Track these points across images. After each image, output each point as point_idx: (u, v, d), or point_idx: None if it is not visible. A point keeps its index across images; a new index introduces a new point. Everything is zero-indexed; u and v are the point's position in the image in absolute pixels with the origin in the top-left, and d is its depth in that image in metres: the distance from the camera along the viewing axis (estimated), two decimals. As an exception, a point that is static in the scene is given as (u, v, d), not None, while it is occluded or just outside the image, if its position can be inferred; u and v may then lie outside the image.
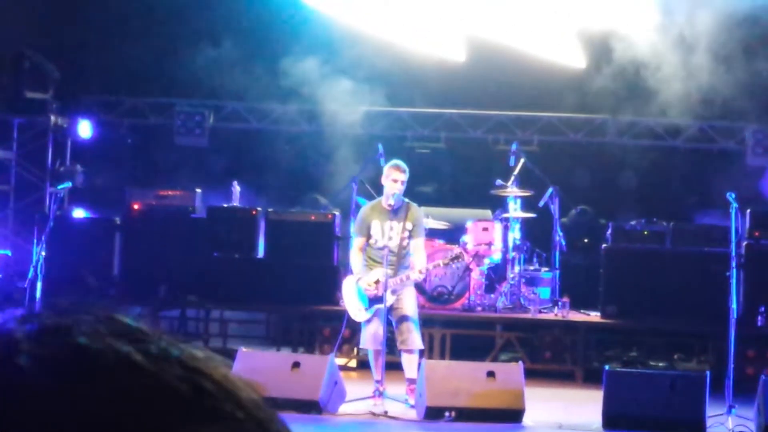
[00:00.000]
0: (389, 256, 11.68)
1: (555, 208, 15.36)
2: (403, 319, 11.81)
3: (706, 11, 16.24)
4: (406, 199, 12.13)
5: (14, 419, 0.84)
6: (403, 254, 11.93)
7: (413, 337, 11.83)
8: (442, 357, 14.37)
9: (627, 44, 16.68)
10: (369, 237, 11.99)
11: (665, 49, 16.58)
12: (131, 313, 0.94)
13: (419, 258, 11.96)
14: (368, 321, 11.90)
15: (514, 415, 11.19)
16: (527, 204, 15.45)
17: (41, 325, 0.90)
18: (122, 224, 15.89)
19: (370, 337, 11.86)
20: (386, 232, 11.89)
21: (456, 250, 12.87)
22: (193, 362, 0.92)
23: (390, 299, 11.63)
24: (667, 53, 16.58)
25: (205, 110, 17.97)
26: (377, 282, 11.74)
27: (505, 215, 15.26)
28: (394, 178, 11.88)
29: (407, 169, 11.98)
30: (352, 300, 12.05)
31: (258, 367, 11.26)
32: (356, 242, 12.18)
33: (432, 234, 14.65)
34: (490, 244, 14.89)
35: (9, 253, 16.05)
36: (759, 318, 14.21)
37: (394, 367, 12.14)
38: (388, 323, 11.87)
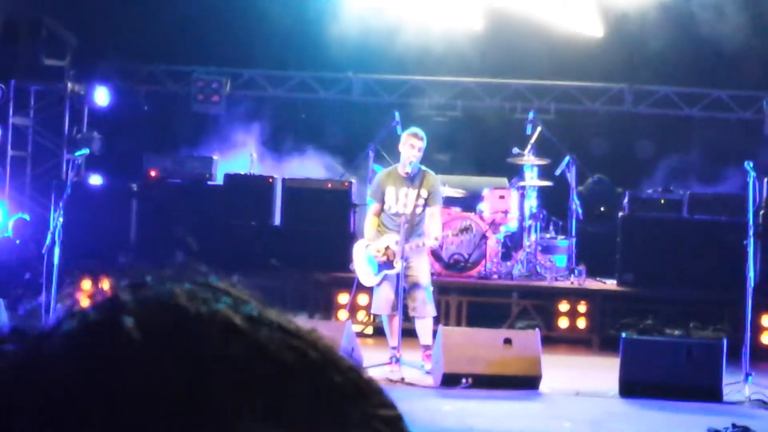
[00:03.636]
0: (402, 223, 11.67)
1: (572, 176, 15.34)
2: (416, 286, 11.79)
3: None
4: (423, 167, 12.10)
5: (115, 381, 0.85)
6: (416, 221, 11.89)
7: (425, 305, 11.83)
8: (459, 324, 14.38)
9: (644, 12, 16.62)
10: (383, 203, 12.00)
11: (682, 18, 16.52)
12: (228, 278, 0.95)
13: (435, 226, 11.92)
14: (379, 285, 11.91)
15: (531, 381, 11.23)
16: (544, 172, 15.43)
17: (145, 290, 0.91)
18: (139, 191, 15.90)
19: (383, 302, 11.88)
20: (401, 199, 11.88)
21: (466, 221, 12.82)
22: (297, 331, 0.93)
23: (399, 265, 11.62)
24: (684, 22, 16.52)
25: (223, 77, 17.96)
26: (387, 248, 11.74)
27: (522, 183, 15.26)
28: (411, 144, 11.87)
29: (425, 137, 11.97)
30: (361, 264, 12.07)
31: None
32: (371, 208, 12.20)
33: (448, 202, 14.62)
34: (506, 212, 14.88)
35: (27, 217, 16.10)
36: (775, 287, 14.19)
37: (409, 333, 12.17)
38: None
